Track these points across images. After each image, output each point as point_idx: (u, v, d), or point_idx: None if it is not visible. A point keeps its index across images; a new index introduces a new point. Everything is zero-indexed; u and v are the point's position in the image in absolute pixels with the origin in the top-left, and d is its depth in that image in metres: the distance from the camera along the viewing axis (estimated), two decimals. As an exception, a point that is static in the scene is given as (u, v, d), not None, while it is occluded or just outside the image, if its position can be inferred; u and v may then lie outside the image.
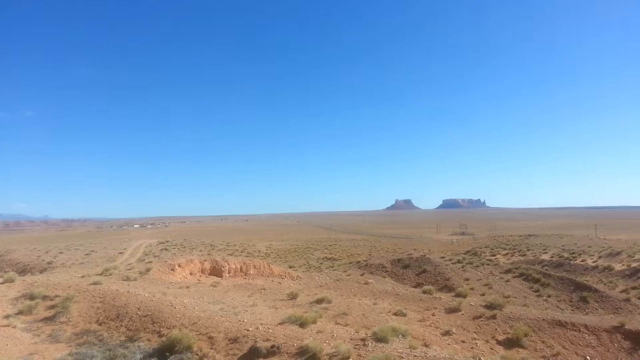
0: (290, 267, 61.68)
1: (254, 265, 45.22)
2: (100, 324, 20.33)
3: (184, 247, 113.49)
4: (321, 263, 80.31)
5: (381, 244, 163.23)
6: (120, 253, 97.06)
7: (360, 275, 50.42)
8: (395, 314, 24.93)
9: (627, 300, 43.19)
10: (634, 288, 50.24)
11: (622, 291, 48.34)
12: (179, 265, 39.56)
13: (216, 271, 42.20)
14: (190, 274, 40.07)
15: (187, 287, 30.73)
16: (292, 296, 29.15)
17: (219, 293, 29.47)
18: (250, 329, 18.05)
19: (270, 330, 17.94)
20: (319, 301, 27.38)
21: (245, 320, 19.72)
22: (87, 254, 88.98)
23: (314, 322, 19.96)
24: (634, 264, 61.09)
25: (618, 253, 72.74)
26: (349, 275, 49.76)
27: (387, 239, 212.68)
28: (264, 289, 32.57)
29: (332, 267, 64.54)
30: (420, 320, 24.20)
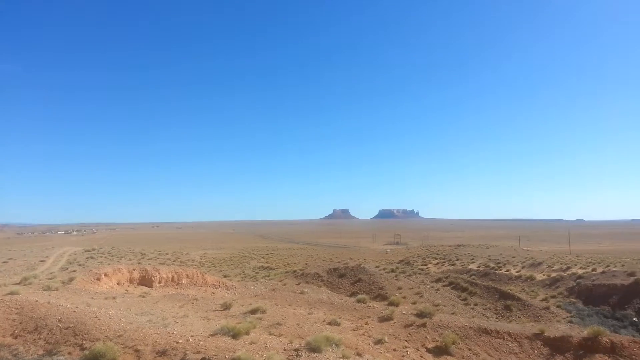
0: (225, 276, 60.44)
1: (187, 275, 43.96)
2: (15, 337, 18.87)
3: (112, 256, 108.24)
4: (257, 272, 79.36)
5: (318, 253, 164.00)
6: (42, 261, 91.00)
7: (296, 284, 50.35)
8: (329, 324, 25.02)
9: (547, 308, 45.95)
10: (553, 297, 53.56)
11: (542, 300, 51.36)
12: (106, 275, 37.74)
13: (146, 281, 40.62)
14: (118, 283, 38.30)
15: (114, 297, 29.33)
16: (226, 306, 28.54)
17: (148, 304, 28.32)
18: (180, 341, 17.44)
19: (202, 342, 17.42)
20: (254, 311, 26.98)
21: (175, 332, 19.04)
22: (4, 262, 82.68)
23: (248, 332, 19.61)
24: (553, 274, 65.06)
25: (539, 263, 77.20)
26: (285, 284, 49.52)
27: (324, 248, 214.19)
28: (197, 299, 31.70)
29: (268, 276, 63.99)
30: (354, 329, 24.43)
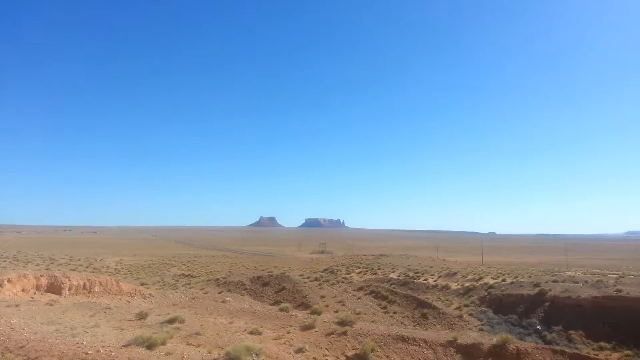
0: (142, 284, 57.82)
1: (100, 282, 41.55)
2: None
3: (18, 260, 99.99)
4: (177, 280, 76.65)
5: (242, 261, 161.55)
6: None
7: (218, 293, 49.22)
8: (250, 333, 24.63)
9: (460, 316, 48.26)
10: (466, 305, 56.32)
11: (456, 308, 53.88)
12: (9, 281, 34.78)
13: (54, 288, 37.88)
14: (23, 290, 35.43)
15: (17, 305, 27.08)
16: (142, 316, 27.23)
17: (55, 312, 26.39)
18: (90, 352, 16.39)
19: (113, 353, 16.48)
20: (171, 320, 25.94)
21: (84, 342, 17.87)
22: None
23: (164, 343, 18.83)
24: (467, 284, 68.51)
25: (454, 273, 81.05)
26: (206, 293, 48.25)
27: (249, 256, 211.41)
28: (110, 308, 30.01)
29: (189, 284, 62.00)
30: (276, 339, 24.22)
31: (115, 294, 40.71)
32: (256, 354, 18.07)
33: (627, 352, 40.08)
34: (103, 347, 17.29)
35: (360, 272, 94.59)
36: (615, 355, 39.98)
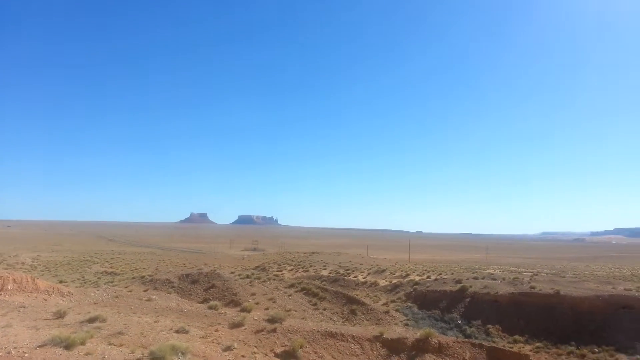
0: (60, 281, 54.67)
1: (14, 280, 38.72)
2: None
3: None
4: (99, 278, 73.17)
5: (171, 258, 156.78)
6: None
7: (144, 291, 47.51)
8: (177, 332, 24.02)
9: (387, 312, 49.72)
10: (392, 301, 58.08)
11: (383, 304, 55.44)
12: None
13: (-40, 286, 34.91)
14: None
15: None
16: (60, 314, 25.76)
17: (-40, 313, 24.38)
18: (0, 354, 15.29)
19: (27, 355, 15.49)
20: (92, 320, 24.74)
21: (-7, 344, 16.64)
22: None
23: (83, 343, 17.93)
24: (394, 281, 70.60)
25: (383, 270, 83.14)
26: (130, 291, 46.40)
27: (178, 253, 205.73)
28: (24, 307, 28.14)
29: (112, 282, 59.38)
30: (203, 337, 23.79)
31: (30, 292, 38.13)
32: (182, 353, 17.67)
33: (537, 344, 43.20)
34: (15, 348, 16.20)
35: (292, 269, 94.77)
36: (528, 347, 42.91)
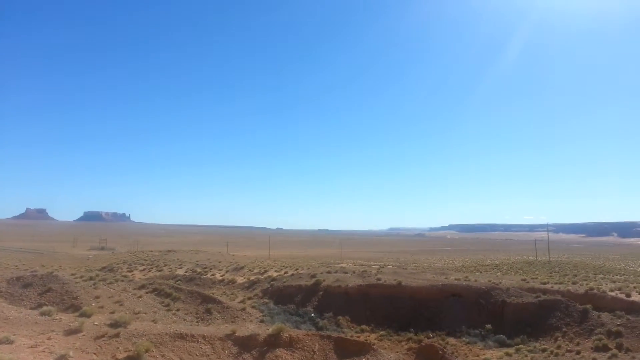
0: None
1: None
2: None
3: None
4: None
5: (1, 259, 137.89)
6: None
7: (-40, 298, 40.95)
8: (-1, 343, 21.06)
9: (244, 309, 49.57)
10: (249, 298, 58.15)
11: (240, 301, 55.22)
12: None
13: None
14: None
15: None
16: None
17: None
18: None
19: None
20: None
21: None
22: None
23: None
24: (252, 277, 70.81)
25: (242, 267, 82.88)
26: (-59, 299, 39.66)
27: (9, 254, 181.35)
28: None
29: None
30: (32, 347, 21.18)
31: None
32: (2, 367, 15.53)
33: (382, 332, 46.77)
34: None
35: (144, 269, 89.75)
36: (373, 335, 46.19)
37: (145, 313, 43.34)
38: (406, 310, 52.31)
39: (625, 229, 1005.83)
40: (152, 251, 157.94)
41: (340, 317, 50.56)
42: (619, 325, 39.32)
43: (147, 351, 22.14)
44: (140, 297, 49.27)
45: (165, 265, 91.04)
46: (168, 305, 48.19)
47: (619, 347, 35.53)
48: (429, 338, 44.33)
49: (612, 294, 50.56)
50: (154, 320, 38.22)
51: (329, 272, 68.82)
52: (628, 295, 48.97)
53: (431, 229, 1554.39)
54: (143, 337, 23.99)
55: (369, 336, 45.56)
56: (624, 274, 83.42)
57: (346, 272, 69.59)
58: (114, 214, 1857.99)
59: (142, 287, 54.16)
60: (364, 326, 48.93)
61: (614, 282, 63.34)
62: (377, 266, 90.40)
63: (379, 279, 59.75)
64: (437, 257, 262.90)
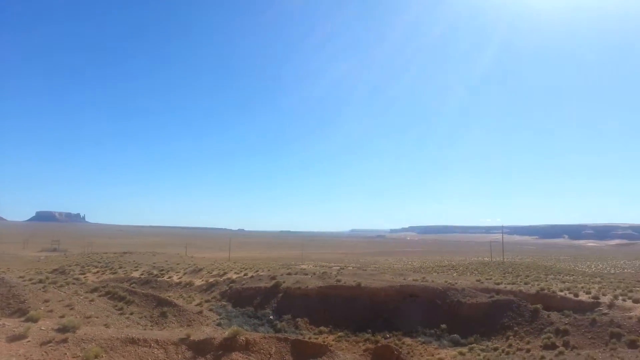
0: None
1: None
2: None
3: None
4: None
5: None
6: None
7: None
8: None
9: (200, 312, 48.78)
10: (207, 301, 57.22)
11: (197, 304, 54.27)
12: None
13: None
14: None
15: None
16: None
17: None
18: None
19: None
20: None
21: None
22: None
23: None
24: (211, 279, 69.64)
25: (200, 270, 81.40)
26: None
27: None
28: None
29: None
30: (-29, 355, 20.19)
31: None
32: None
33: (340, 333, 47.04)
34: None
35: (98, 271, 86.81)
36: (331, 337, 46.36)
37: (97, 317, 41.97)
38: (365, 311, 52.78)
39: (576, 232, 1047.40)
40: (107, 253, 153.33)
41: (299, 319, 50.49)
42: (566, 324, 40.97)
43: (96, 357, 21.45)
44: (92, 300, 47.69)
45: (120, 268, 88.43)
46: (121, 308, 46.88)
47: (566, 344, 36.96)
48: (385, 338, 44.89)
49: (562, 294, 52.69)
50: (105, 325, 37.04)
51: (289, 274, 68.61)
52: (576, 295, 51.21)
53: (392, 231, 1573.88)
54: (93, 342, 23.22)
55: (327, 338, 45.70)
56: (573, 275, 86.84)
57: (306, 274, 69.57)
58: (68, 214, 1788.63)
59: (95, 290, 52.49)
60: (322, 328, 49.02)
61: (564, 282, 65.86)
62: (338, 268, 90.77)
63: (339, 281, 60.02)
64: (396, 258, 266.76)
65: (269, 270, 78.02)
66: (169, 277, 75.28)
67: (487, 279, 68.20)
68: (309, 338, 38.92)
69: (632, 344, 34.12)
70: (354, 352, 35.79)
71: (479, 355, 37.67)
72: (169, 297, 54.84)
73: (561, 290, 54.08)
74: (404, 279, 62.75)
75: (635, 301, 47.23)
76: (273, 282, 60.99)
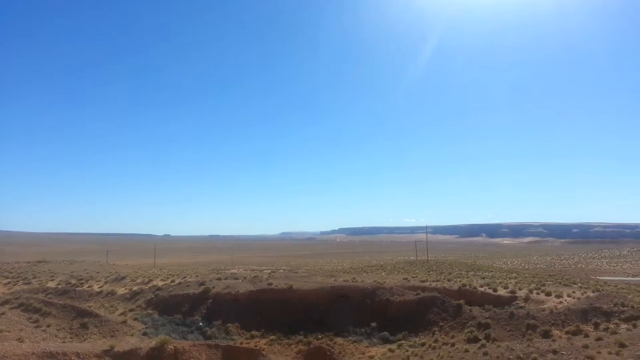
0: None
1: None
2: None
3: None
4: None
5: None
6: None
7: None
8: None
9: (124, 322, 46.54)
10: (131, 310, 54.72)
11: (121, 314, 51.79)
12: None
13: None
14: None
15: None
16: None
17: None
18: None
19: None
20: None
21: None
22: None
23: None
24: (135, 288, 66.65)
25: (123, 278, 77.75)
26: None
27: None
28: None
29: None
30: None
31: None
32: None
33: (272, 337, 46.78)
34: None
35: (9, 282, 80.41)
36: (263, 341, 45.99)
37: (9, 331, 38.77)
38: (297, 313, 52.87)
39: (493, 230, 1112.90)
40: (19, 262, 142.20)
41: (230, 325, 49.62)
42: (487, 317, 43.41)
43: (8, 375, 19.83)
44: (3, 313, 43.98)
45: (34, 278, 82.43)
46: (37, 321, 43.65)
47: (487, 337, 39.12)
48: (318, 339, 45.21)
49: (482, 289, 55.91)
50: (19, 339, 34.31)
51: (219, 279, 67.25)
52: (495, 290, 54.66)
53: (322, 233, 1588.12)
54: (5, 359, 21.43)
55: (259, 342, 45.30)
56: (491, 271, 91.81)
57: (237, 278, 68.56)
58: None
59: (6, 302, 48.49)
60: (254, 332, 48.53)
61: (484, 278, 69.69)
62: (269, 271, 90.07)
63: (270, 284, 59.72)
64: (327, 259, 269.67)
65: (197, 276, 76.03)
66: (89, 287, 71.25)
67: (413, 277, 70.62)
68: (241, 343, 38.50)
69: (545, 334, 36.79)
70: (287, 355, 35.78)
71: (407, 351, 38.89)
72: (90, 307, 51.90)
73: (481, 286, 57.32)
74: (335, 280, 63.59)
75: (548, 294, 51.29)
76: (202, 287, 59.54)
